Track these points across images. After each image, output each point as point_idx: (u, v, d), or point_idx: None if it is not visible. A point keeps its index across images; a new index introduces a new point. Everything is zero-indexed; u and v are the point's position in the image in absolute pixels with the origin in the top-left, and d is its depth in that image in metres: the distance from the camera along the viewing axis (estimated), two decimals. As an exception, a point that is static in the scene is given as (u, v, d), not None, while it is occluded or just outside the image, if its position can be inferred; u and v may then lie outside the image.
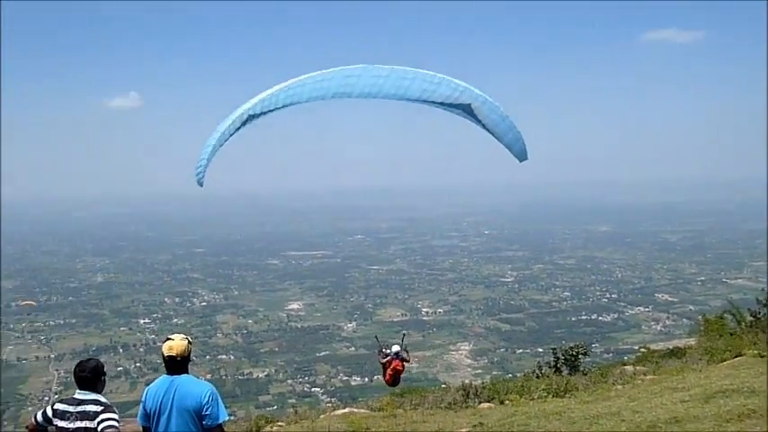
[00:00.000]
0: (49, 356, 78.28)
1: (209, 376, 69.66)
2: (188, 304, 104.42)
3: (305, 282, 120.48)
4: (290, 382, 71.19)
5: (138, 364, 74.79)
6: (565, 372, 18.05)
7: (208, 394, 5.87)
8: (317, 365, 75.41)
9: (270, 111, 11.01)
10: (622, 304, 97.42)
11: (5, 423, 55.31)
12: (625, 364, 20.42)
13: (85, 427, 5.73)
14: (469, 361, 77.33)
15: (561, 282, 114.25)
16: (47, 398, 60.91)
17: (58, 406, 5.92)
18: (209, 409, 5.83)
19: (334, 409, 16.46)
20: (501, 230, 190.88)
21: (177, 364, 5.99)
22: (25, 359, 77.83)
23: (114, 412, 5.83)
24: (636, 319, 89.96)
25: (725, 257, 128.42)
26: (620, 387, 13.65)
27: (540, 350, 68.46)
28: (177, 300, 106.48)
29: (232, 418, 23.49)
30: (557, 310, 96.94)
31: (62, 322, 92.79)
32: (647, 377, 14.69)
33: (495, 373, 61.97)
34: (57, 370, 71.84)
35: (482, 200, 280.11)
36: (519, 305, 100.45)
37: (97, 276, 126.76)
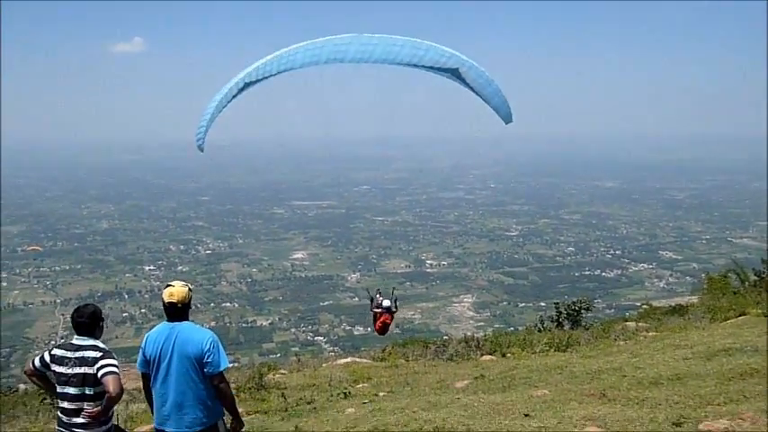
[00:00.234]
0: (54, 301, 79.05)
1: (213, 323, 70.46)
2: (193, 252, 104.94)
3: (309, 231, 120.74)
4: (293, 330, 71.92)
5: (143, 311, 75.50)
6: (567, 326, 18.13)
7: (209, 341, 5.82)
8: (321, 315, 76.09)
9: (265, 77, 11.35)
10: (626, 261, 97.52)
11: (12, 366, 56.33)
12: (627, 320, 20.48)
13: (84, 373, 5.71)
14: (472, 313, 77.91)
15: (566, 237, 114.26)
16: (53, 341, 61.70)
17: (56, 351, 5.88)
18: (211, 357, 5.78)
19: (337, 359, 16.62)
20: (507, 184, 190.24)
21: (178, 311, 5.93)
22: (32, 303, 78.60)
23: (113, 358, 5.80)
24: (639, 276, 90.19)
25: (731, 216, 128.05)
26: (622, 343, 13.67)
27: (543, 304, 68.77)
28: (182, 247, 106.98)
29: (235, 365, 23.81)
30: (560, 264, 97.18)
31: (68, 268, 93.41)
32: (650, 334, 14.71)
33: (497, 326, 62.59)
34: (62, 314, 72.57)
35: (489, 152, 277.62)
36: (523, 259, 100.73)
37: (102, 223, 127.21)
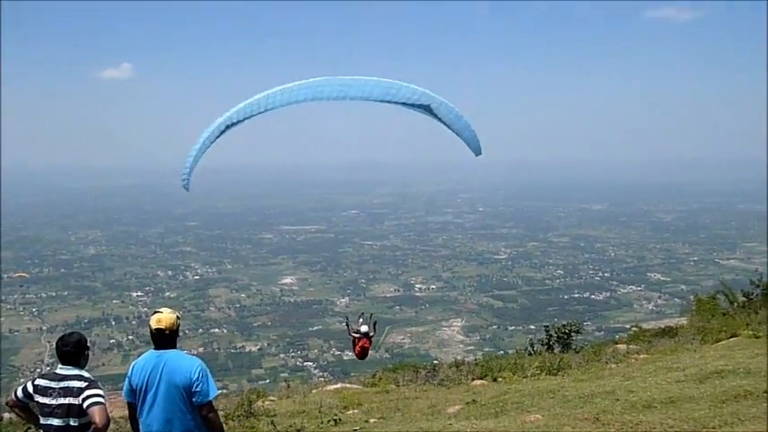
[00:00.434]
0: (41, 328, 78.16)
1: (201, 349, 69.84)
2: (181, 278, 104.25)
3: (298, 256, 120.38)
4: (282, 356, 71.35)
5: (130, 337, 74.72)
6: (557, 349, 18.09)
7: (198, 370, 5.69)
8: (310, 340, 75.55)
9: (247, 118, 12.08)
10: (615, 283, 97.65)
11: (-3, 394, 55.46)
12: (617, 343, 20.46)
13: (69, 404, 5.55)
14: (461, 337, 77.62)
15: (554, 259, 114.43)
16: (39, 369, 60.95)
17: (39, 382, 5.72)
18: (200, 386, 5.65)
19: (327, 384, 16.48)
20: (495, 208, 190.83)
21: (165, 338, 5.81)
22: (17, 331, 77.61)
23: (99, 388, 5.66)
24: (628, 298, 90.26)
25: (718, 238, 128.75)
26: (613, 366, 13.61)
27: (533, 327, 68.76)
28: (170, 273, 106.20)
29: (223, 391, 23.49)
30: (549, 287, 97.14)
31: (54, 294, 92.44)
32: (641, 356, 14.67)
33: (486, 349, 62.25)
34: (49, 342, 71.64)
35: (477, 177, 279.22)
36: (512, 282, 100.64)
37: (89, 249, 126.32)
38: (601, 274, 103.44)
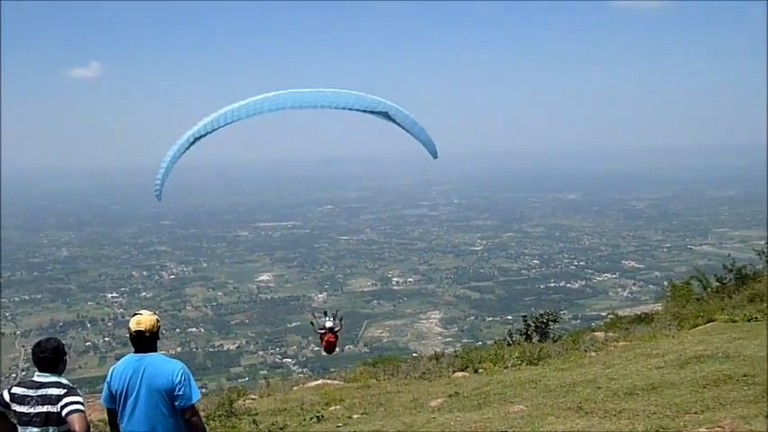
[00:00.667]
0: (15, 333, 77.03)
1: (179, 349, 69.38)
2: (156, 277, 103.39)
3: (275, 253, 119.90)
4: (261, 353, 71.19)
5: (106, 339, 74.02)
6: (535, 339, 18.17)
7: (180, 373, 5.56)
8: (288, 336, 75.41)
9: (215, 130, 12.54)
10: (590, 271, 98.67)
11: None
12: (595, 331, 20.65)
13: (47, 412, 5.41)
14: (440, 329, 77.94)
15: (530, 250, 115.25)
16: (14, 375, 60.10)
17: (16, 390, 5.56)
18: (182, 389, 5.53)
19: (307, 381, 16.40)
20: (470, 199, 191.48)
21: (146, 341, 5.68)
22: (-10, 336, 76.55)
23: (78, 394, 5.52)
24: (603, 286, 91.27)
25: (690, 224, 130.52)
26: (593, 354, 13.69)
27: (510, 318, 69.20)
28: (145, 273, 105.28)
29: (203, 390, 23.29)
30: (525, 277, 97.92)
31: (27, 298, 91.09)
32: (620, 343, 14.76)
33: (465, 341, 62.56)
34: (23, 346, 70.69)
35: (452, 168, 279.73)
36: (488, 273, 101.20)
37: (62, 250, 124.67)
38: (576, 262, 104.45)
